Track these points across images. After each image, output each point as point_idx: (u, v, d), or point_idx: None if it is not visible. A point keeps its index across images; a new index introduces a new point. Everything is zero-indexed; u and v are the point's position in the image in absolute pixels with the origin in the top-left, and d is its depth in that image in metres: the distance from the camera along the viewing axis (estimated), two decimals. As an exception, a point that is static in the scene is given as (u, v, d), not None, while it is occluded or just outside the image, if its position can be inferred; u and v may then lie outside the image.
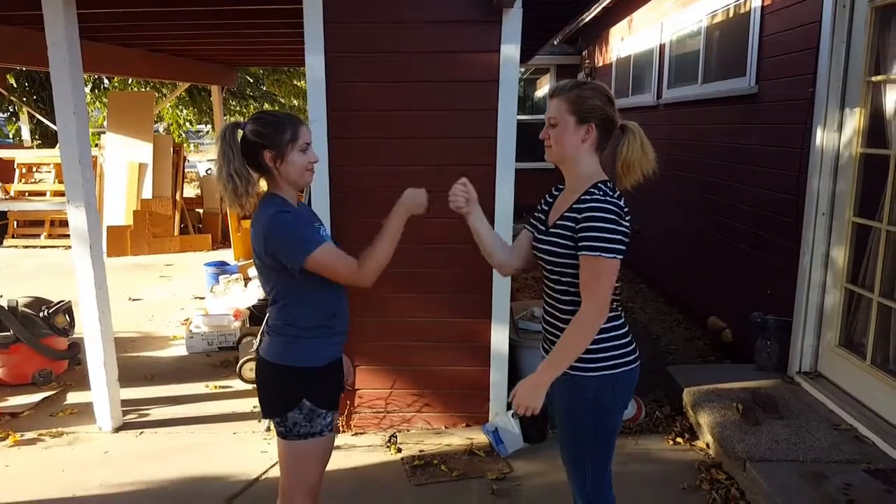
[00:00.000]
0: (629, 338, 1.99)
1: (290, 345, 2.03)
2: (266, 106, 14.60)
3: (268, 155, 1.96)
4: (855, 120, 3.33)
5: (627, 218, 1.85)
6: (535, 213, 2.13)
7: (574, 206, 1.88)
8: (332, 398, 2.11)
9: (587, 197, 1.86)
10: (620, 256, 1.81)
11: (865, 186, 3.32)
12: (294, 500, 2.12)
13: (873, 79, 3.22)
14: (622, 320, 1.98)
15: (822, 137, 3.47)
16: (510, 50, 3.21)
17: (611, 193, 1.86)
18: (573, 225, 1.85)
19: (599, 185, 1.89)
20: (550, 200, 2.09)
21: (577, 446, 2.03)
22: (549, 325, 2.04)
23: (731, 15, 4.88)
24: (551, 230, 1.95)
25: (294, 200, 2.04)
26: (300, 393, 2.02)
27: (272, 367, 2.04)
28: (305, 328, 2.03)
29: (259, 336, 2.29)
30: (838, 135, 3.43)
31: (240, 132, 1.98)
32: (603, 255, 1.79)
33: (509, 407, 3.54)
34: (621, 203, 1.85)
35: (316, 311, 2.03)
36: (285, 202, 2.00)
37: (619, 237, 1.81)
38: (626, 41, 7.64)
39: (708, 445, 3.38)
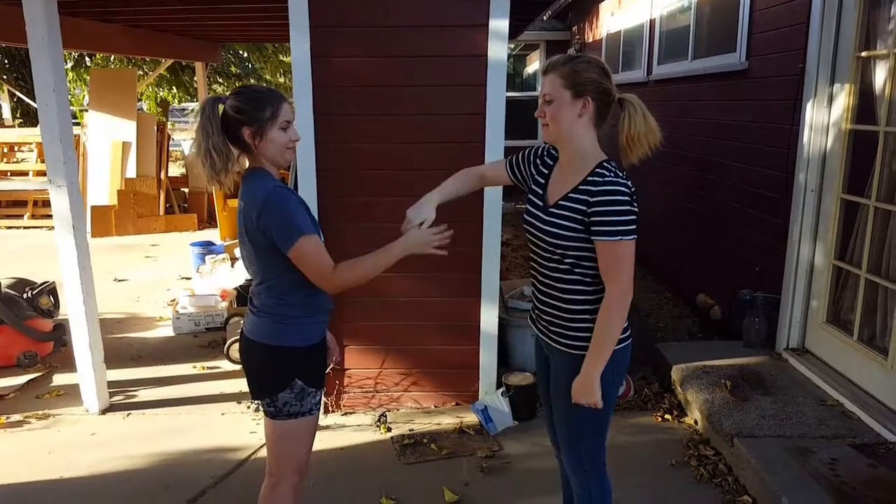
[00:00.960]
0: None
1: (279, 325, 2.00)
2: (252, 83, 14.38)
3: (247, 131, 1.91)
4: (844, 96, 3.31)
5: (635, 197, 1.85)
6: (519, 158, 2.13)
7: (581, 186, 1.85)
8: (321, 377, 2.11)
9: (598, 178, 1.83)
10: (636, 236, 1.83)
11: (854, 163, 3.31)
12: (281, 479, 2.12)
13: (863, 54, 3.20)
14: None
15: (812, 114, 3.45)
16: (499, 25, 3.15)
17: (620, 174, 1.85)
18: (584, 208, 1.83)
19: (605, 164, 1.86)
20: (545, 172, 2.04)
21: (575, 424, 2.03)
22: (544, 303, 2.02)
23: (721, -11, 4.83)
24: (552, 209, 1.92)
25: (277, 177, 2.00)
26: (292, 373, 2.00)
27: (262, 348, 2.02)
28: (294, 307, 2.00)
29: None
30: (828, 111, 3.42)
31: (220, 106, 1.93)
32: (623, 238, 1.80)
33: (499, 385, 3.56)
34: (629, 183, 1.84)
35: (303, 290, 2.00)
36: (275, 179, 1.97)
37: (634, 217, 1.82)
38: (616, 16, 7.57)
39: (696, 422, 3.41)
